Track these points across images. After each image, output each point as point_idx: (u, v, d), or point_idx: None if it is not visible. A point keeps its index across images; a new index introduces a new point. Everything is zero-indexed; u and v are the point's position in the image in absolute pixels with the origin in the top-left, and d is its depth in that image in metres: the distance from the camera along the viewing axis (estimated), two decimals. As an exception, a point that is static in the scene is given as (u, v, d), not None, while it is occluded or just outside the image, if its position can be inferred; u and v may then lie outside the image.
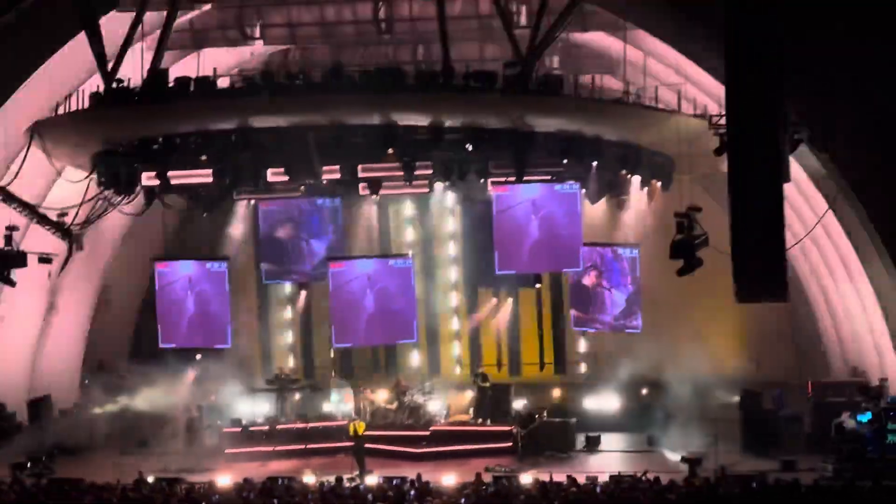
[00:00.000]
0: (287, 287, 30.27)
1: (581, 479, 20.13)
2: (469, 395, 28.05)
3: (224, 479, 21.84)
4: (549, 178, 25.79)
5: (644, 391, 27.91)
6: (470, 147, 24.05)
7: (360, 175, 25.22)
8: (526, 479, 21.25)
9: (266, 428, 27.18)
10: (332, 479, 21.11)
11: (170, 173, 24.64)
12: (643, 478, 20.25)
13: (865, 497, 18.32)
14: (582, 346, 29.48)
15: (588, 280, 27.28)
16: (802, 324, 27.58)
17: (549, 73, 24.70)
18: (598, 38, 27.21)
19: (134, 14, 23.76)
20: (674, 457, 24.15)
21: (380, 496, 18.69)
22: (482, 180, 25.67)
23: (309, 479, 22.02)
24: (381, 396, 28.17)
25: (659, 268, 22.82)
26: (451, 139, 23.97)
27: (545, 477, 20.70)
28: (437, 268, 29.95)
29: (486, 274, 27.58)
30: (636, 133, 24.69)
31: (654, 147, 25.06)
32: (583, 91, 24.09)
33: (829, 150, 22.50)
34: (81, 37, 23.57)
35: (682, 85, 24.66)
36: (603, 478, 20.57)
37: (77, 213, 25.76)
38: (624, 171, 25.83)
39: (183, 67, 26.60)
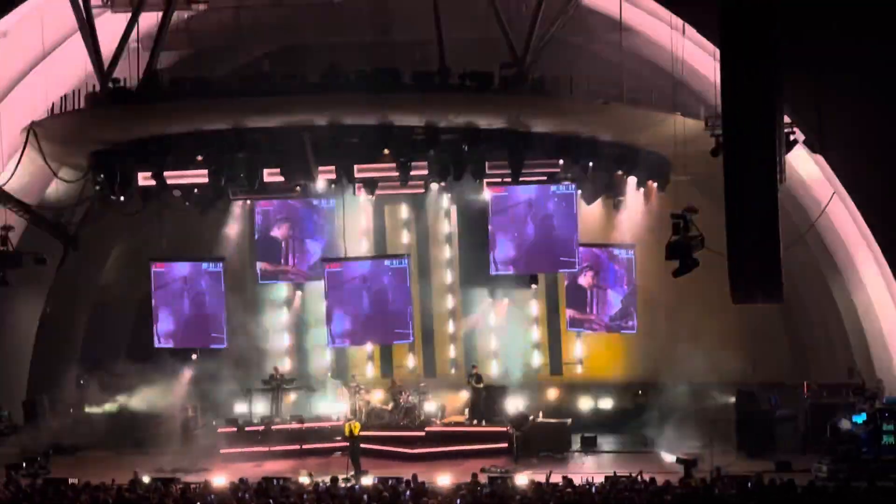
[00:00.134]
0: (283, 287, 30.20)
1: (577, 480, 20.13)
2: (464, 395, 28.08)
3: (219, 479, 21.87)
4: (545, 178, 25.73)
5: (639, 392, 27.93)
6: (466, 147, 24.03)
7: (356, 175, 25.13)
8: (521, 479, 21.26)
9: (262, 428, 27.17)
10: (327, 479, 21.16)
11: (166, 173, 24.62)
12: (639, 479, 20.25)
13: (860, 498, 18.38)
14: (578, 346, 29.47)
15: (584, 281, 27.25)
16: (798, 325, 27.58)
17: (545, 74, 24.61)
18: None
19: (129, 14, 23.72)
20: (669, 458, 24.14)
21: (375, 497, 18.70)
22: (478, 181, 25.63)
23: (304, 479, 22.01)
24: (377, 397, 28.19)
25: (655, 268, 22.82)
26: (447, 139, 23.93)
27: (541, 478, 20.74)
28: (433, 268, 29.90)
29: (481, 275, 27.54)
30: (632, 134, 24.67)
31: (650, 148, 25.05)
32: (579, 91, 24.03)
33: (825, 150, 22.55)
34: (77, 37, 23.56)
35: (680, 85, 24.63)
36: (598, 479, 20.56)
37: (73, 214, 25.71)
38: (620, 172, 25.80)
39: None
